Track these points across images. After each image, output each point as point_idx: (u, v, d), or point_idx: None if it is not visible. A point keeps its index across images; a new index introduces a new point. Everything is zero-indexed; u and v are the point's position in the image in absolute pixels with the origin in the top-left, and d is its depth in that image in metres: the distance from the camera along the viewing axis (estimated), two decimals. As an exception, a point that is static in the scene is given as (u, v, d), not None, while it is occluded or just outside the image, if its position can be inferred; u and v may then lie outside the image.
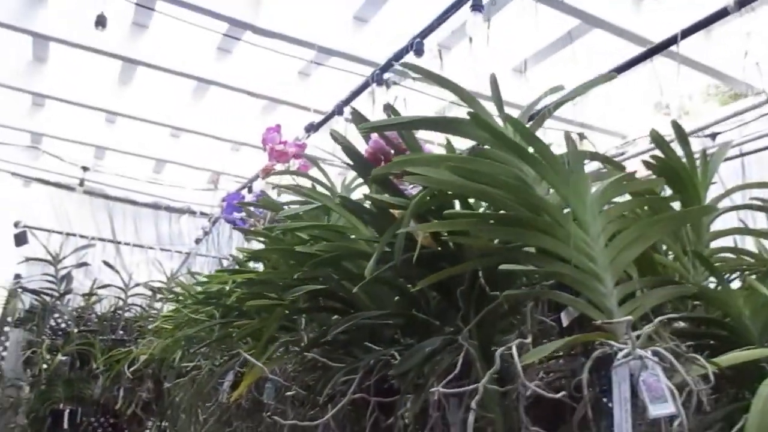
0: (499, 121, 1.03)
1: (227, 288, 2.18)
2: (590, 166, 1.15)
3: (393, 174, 1.16)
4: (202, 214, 5.69)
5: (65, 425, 4.25)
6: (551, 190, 1.03)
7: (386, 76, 2.02)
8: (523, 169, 1.01)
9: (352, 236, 1.29)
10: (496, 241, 1.03)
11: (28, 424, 4.46)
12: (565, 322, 0.87)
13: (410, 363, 1.02)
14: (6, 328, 5.08)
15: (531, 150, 0.97)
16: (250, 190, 3.74)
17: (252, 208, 2.31)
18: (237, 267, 2.31)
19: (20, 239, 4.88)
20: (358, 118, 1.09)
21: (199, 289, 2.71)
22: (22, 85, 3.82)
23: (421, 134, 1.27)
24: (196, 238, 5.51)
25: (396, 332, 1.32)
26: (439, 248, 1.11)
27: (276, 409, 1.61)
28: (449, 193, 1.09)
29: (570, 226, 0.91)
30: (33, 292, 4.79)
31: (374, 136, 1.30)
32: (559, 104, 1.10)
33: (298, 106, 3.48)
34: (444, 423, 1.00)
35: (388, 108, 1.08)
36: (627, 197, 1.02)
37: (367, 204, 1.16)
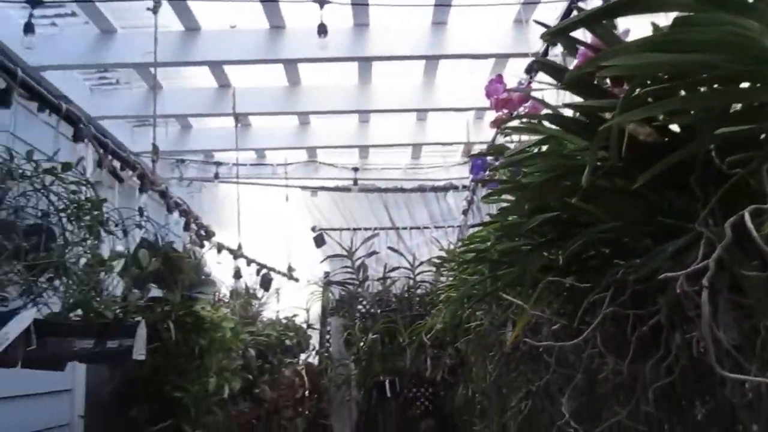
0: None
1: (488, 243, 2.26)
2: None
3: (609, 80, 1.10)
4: (464, 187, 5.89)
5: (388, 394, 4.81)
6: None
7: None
8: (742, 23, 0.87)
9: (578, 156, 1.25)
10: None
11: (360, 396, 5.16)
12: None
13: (651, 265, 0.95)
14: (327, 319, 5.95)
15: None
16: (494, 149, 3.78)
17: (489, 160, 2.34)
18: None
19: (319, 241, 5.65)
20: (542, 29, 1.05)
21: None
22: (285, 109, 4.43)
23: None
24: (462, 210, 5.73)
25: (647, 244, 1.24)
26: (666, 139, 1.01)
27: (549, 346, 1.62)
28: (665, 77, 0.99)
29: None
30: (338, 284, 5.52)
31: (582, 50, 1.24)
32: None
33: (520, 56, 3.41)
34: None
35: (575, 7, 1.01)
36: None
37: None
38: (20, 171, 1.47)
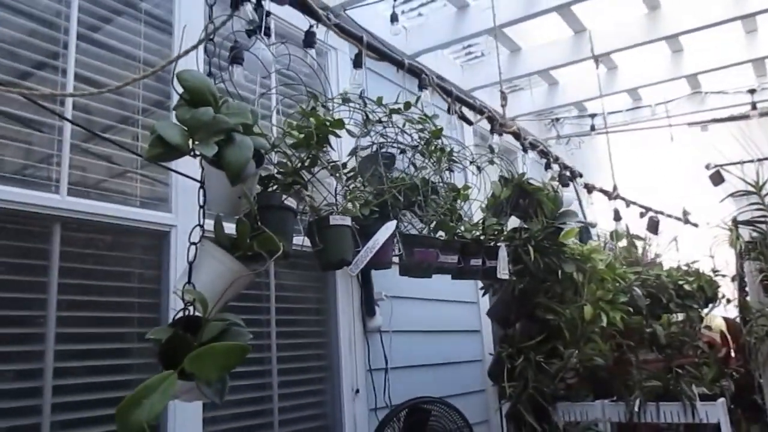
0: None
1: None
2: None
3: None
4: None
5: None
6: None
7: None
8: None
9: None
10: None
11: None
12: None
13: None
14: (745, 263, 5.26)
15: None
16: None
17: None
18: None
19: (716, 179, 5.05)
20: None
21: None
22: (649, 38, 4.12)
23: None
24: None
25: None
26: None
27: None
28: None
29: None
30: (747, 223, 4.83)
31: None
32: None
33: None
34: None
35: None
36: None
37: None
38: (377, 116, 1.82)
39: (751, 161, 5.04)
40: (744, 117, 5.06)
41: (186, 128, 1.20)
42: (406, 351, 3.51)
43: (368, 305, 3.23)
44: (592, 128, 5.54)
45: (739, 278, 5.25)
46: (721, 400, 3.88)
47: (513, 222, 2.44)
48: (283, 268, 2.96)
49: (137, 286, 2.34)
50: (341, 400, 3.07)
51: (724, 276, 5.17)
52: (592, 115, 5.55)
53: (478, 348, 4.22)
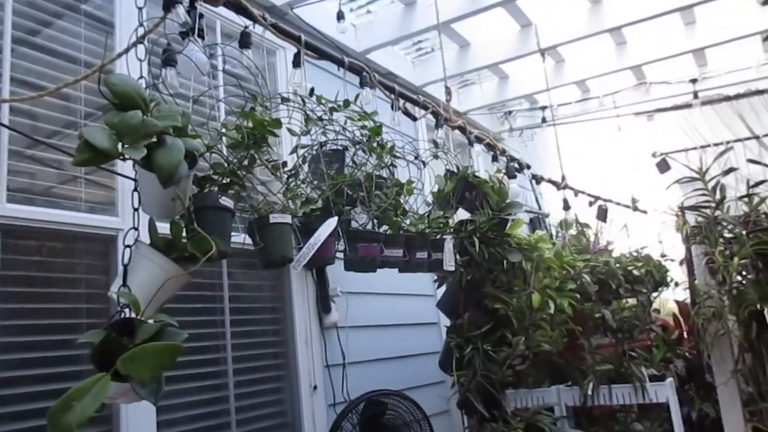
0: None
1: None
2: None
3: None
4: None
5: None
6: None
7: None
8: None
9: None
10: None
11: (737, 329, 4.58)
12: None
13: None
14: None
15: None
16: None
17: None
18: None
19: (662, 167, 5.20)
20: None
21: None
22: (594, 30, 4.23)
23: None
24: None
25: None
26: None
27: None
28: None
29: None
30: (692, 208, 4.99)
31: None
32: None
33: None
34: None
35: None
36: None
37: None
38: (315, 114, 1.85)
39: (695, 148, 5.20)
40: (687, 106, 5.23)
41: (115, 132, 1.21)
42: (363, 346, 3.54)
43: (324, 302, 3.25)
44: (543, 120, 5.64)
45: (687, 262, 5.43)
46: (669, 380, 4.02)
47: (464, 215, 2.50)
48: (237, 268, 2.96)
49: (85, 291, 2.31)
50: (299, 396, 3.09)
51: (672, 260, 5.35)
52: (543, 108, 5.65)
53: (437, 340, 4.28)
